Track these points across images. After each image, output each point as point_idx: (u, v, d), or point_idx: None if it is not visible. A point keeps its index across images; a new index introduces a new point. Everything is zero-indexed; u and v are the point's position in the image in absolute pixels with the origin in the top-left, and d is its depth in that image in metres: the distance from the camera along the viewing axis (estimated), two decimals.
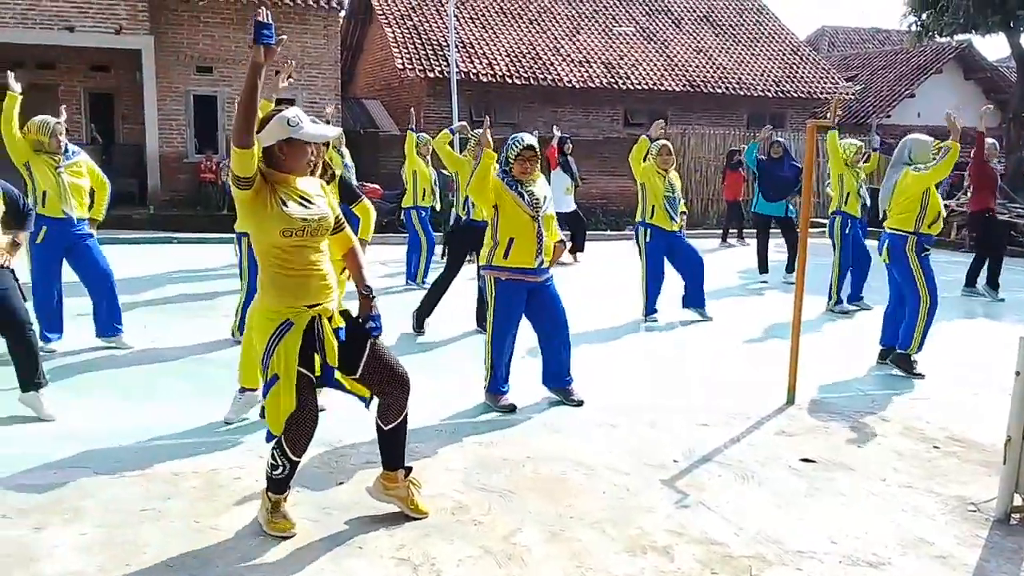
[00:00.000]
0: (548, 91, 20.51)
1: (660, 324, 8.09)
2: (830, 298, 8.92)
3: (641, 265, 8.17)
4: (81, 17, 15.99)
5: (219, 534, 3.59)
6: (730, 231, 15.63)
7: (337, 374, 3.55)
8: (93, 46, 16.43)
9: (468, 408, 5.38)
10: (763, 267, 10.99)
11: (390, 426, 3.70)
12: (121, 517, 3.71)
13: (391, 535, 3.62)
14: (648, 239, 8.05)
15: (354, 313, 3.64)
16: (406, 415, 3.71)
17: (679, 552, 3.56)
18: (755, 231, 11.39)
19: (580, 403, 5.49)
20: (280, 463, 3.53)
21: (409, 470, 3.82)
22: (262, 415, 3.57)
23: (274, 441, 3.52)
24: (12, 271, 5.00)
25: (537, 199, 5.19)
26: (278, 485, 3.60)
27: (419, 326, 7.43)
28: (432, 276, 8.98)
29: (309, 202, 3.47)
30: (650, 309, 8.18)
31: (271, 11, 14.59)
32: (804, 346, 5.74)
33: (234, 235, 6.37)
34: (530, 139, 5.19)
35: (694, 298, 8.31)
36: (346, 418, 5.06)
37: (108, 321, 6.64)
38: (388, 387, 3.63)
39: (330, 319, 3.51)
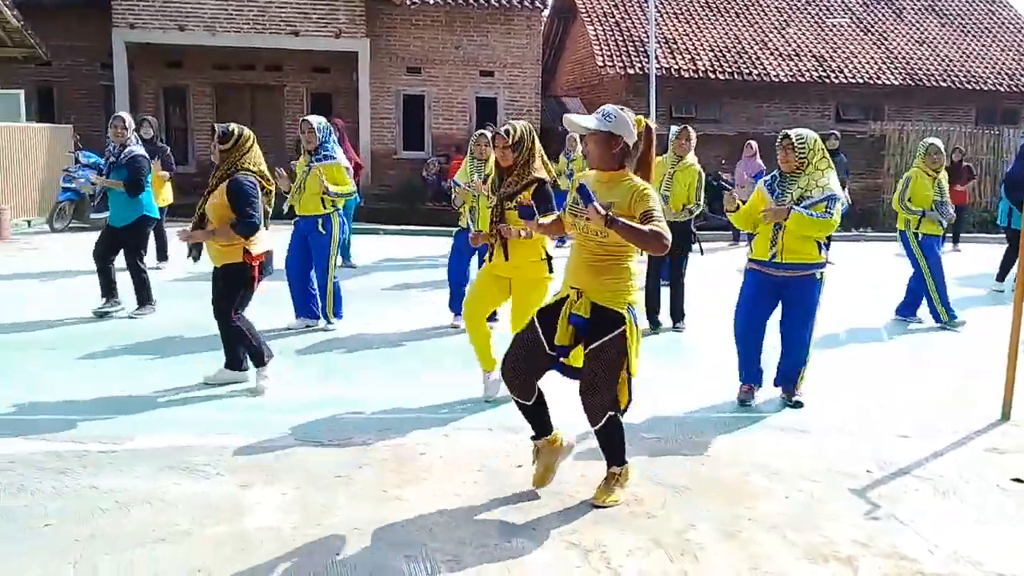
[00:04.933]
0: (753, 86, 19.85)
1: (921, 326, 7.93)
2: None
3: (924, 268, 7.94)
4: (305, 22, 17.22)
5: (402, 503, 3.79)
6: (945, 235, 14.52)
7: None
8: (315, 49, 17.67)
9: (649, 404, 5.30)
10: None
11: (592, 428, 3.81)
12: (316, 481, 4.00)
13: (565, 520, 3.67)
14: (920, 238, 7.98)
15: None
16: (599, 422, 3.74)
17: (864, 564, 3.37)
18: (1006, 237, 10.57)
19: (799, 404, 5.38)
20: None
21: (613, 466, 3.92)
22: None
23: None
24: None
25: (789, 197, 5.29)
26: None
27: (656, 325, 7.46)
28: None
29: None
30: (950, 313, 7.87)
31: (477, 11, 14.86)
32: None
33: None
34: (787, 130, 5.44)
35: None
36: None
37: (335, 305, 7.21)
38: (582, 388, 3.75)
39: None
